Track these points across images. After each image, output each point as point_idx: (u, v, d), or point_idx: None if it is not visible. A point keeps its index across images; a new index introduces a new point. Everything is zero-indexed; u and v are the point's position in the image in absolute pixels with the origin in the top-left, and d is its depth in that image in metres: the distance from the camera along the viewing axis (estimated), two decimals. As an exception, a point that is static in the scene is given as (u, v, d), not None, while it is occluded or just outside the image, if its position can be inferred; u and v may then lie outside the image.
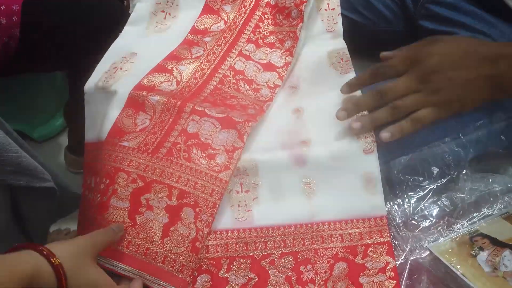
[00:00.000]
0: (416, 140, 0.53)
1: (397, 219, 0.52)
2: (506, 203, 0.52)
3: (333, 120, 0.55)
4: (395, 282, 0.49)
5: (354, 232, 0.52)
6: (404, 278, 0.50)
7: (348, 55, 0.65)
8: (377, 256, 0.50)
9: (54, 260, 0.41)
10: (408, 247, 0.52)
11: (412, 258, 0.50)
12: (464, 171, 0.53)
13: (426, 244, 0.51)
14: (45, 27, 0.84)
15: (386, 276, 0.49)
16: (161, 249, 0.50)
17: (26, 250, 0.41)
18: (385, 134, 0.49)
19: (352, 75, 0.61)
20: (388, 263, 0.50)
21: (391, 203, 0.53)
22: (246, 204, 0.54)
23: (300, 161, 0.55)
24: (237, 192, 0.54)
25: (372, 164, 0.53)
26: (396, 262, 0.50)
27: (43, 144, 1.35)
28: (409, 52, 0.51)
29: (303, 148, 0.55)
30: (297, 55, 0.68)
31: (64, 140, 1.34)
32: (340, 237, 0.52)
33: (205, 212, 0.52)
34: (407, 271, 0.50)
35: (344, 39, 0.69)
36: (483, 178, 0.53)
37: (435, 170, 0.53)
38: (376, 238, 0.51)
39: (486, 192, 0.53)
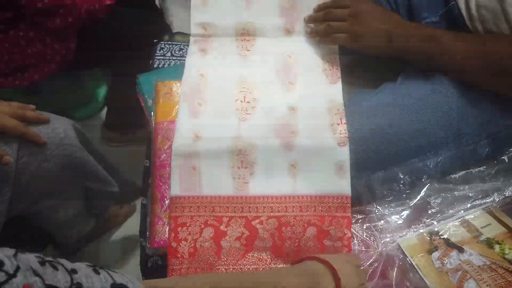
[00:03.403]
0: (395, 160, 0.66)
1: (376, 219, 0.66)
2: (465, 209, 0.65)
3: (318, 119, 0.71)
4: (346, 249, 0.64)
5: (325, 206, 0.67)
6: (380, 266, 0.64)
7: (338, 62, 0.78)
8: (339, 226, 0.65)
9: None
10: (386, 240, 0.66)
11: (386, 249, 0.65)
12: (432, 182, 0.66)
13: (397, 238, 0.65)
14: (97, 44, 0.98)
15: (341, 243, 0.65)
16: None
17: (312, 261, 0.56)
18: (318, 40, 0.78)
19: (339, 86, 0.75)
20: (345, 234, 0.65)
21: (371, 207, 0.66)
22: (244, 177, 0.69)
23: (289, 147, 0.70)
24: (238, 168, 0.70)
25: (344, 154, 0.68)
26: (375, 252, 0.65)
27: (81, 123, 1.52)
28: (349, 2, 0.73)
29: (292, 137, 0.70)
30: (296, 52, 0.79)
31: (97, 120, 1.51)
32: (314, 208, 0.67)
33: None
34: (383, 260, 0.64)
35: None
36: (447, 188, 0.66)
37: (408, 180, 0.66)
38: (340, 212, 0.66)
39: (449, 199, 0.66)
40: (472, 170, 0.66)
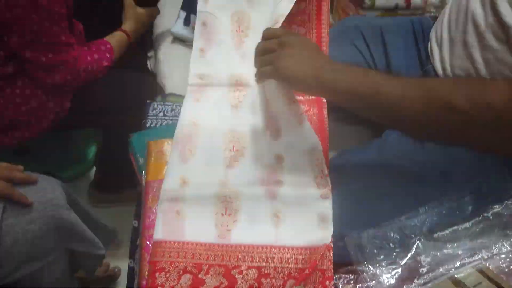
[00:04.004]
0: (383, 217, 0.67)
1: (368, 279, 0.65)
2: (455, 267, 0.65)
3: (303, 170, 0.72)
4: None
5: (306, 258, 0.66)
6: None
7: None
8: (319, 280, 0.64)
9: None
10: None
11: (378, 311, 0.64)
12: (422, 240, 0.67)
13: (389, 300, 0.64)
14: (90, 105, 1.01)
15: None
16: None
17: None
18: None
19: (317, 141, 0.73)
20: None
21: (363, 267, 0.66)
22: (227, 225, 0.69)
23: (273, 196, 0.70)
24: (222, 214, 0.69)
25: (326, 206, 0.69)
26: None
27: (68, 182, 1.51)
28: (280, 33, 0.67)
29: (276, 186, 0.71)
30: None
31: (85, 180, 1.50)
32: (295, 260, 0.66)
33: None
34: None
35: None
36: (436, 246, 0.66)
37: (397, 238, 0.66)
38: (322, 266, 0.65)
39: (439, 257, 0.66)
40: (459, 227, 0.67)
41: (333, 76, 0.60)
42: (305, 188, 0.71)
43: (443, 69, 0.74)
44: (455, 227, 0.67)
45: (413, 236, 0.66)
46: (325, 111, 0.81)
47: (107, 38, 1.01)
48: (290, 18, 0.82)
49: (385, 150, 0.72)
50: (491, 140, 0.51)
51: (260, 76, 0.67)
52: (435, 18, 0.87)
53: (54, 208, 0.76)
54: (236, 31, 0.88)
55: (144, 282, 0.65)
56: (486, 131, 0.50)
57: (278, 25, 0.72)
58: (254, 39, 0.86)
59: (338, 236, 0.67)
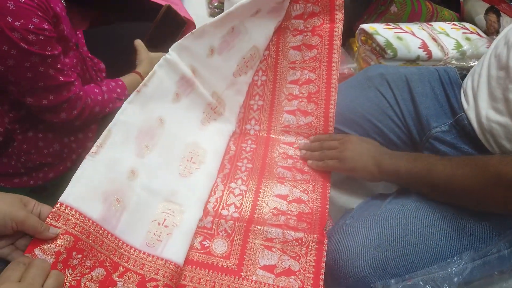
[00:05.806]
0: (415, 266, 0.64)
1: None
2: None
3: None
4: None
5: None
6: None
7: None
8: None
9: None
10: None
11: None
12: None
13: None
14: None
15: None
16: None
17: None
18: (309, 162, 0.83)
19: None
20: None
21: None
22: (160, 235, 0.66)
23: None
24: (159, 223, 0.67)
25: None
26: None
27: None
28: (340, 136, 0.83)
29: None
30: None
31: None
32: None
33: None
34: None
35: None
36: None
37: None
38: None
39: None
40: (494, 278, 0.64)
41: (391, 161, 0.71)
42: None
43: (478, 120, 0.72)
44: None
45: (445, 286, 0.63)
46: (329, 185, 0.81)
47: (120, 78, 1.02)
48: (303, 64, 0.86)
49: (414, 199, 0.70)
50: None
51: (326, 167, 0.80)
52: (460, 69, 0.87)
53: None
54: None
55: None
56: None
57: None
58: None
59: (364, 283, 0.64)
